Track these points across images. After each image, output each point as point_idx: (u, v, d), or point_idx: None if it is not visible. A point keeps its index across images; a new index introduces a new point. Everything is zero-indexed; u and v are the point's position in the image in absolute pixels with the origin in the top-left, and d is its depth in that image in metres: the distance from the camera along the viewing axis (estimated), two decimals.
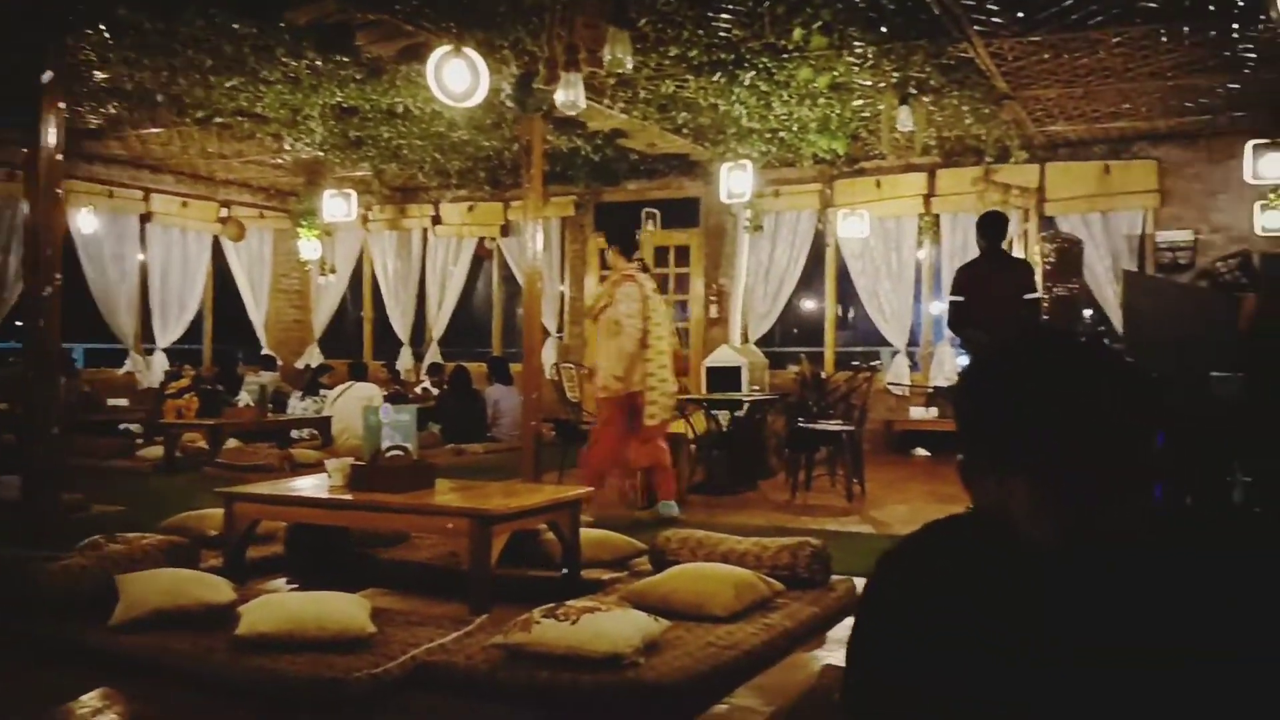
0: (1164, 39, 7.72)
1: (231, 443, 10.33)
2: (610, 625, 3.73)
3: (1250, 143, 9.28)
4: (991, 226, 7.91)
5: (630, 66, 6.21)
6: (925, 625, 1.31)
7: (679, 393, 8.05)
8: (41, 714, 3.43)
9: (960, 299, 7.74)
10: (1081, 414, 1.26)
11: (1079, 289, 10.76)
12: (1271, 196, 9.86)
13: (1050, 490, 1.29)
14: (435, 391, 12.83)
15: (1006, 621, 1.28)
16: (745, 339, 12.67)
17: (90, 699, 3.58)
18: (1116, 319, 10.54)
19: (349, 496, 4.83)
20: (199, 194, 13.86)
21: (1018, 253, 10.40)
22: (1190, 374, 5.83)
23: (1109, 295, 11.10)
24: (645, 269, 7.60)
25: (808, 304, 14.63)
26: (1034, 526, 1.30)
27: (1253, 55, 8.07)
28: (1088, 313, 11.10)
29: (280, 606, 3.99)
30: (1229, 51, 8.00)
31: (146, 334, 13.70)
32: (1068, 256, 10.52)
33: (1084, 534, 1.28)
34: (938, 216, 12.18)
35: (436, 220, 14.61)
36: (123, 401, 11.82)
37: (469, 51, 6.03)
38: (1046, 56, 8.19)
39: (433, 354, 14.51)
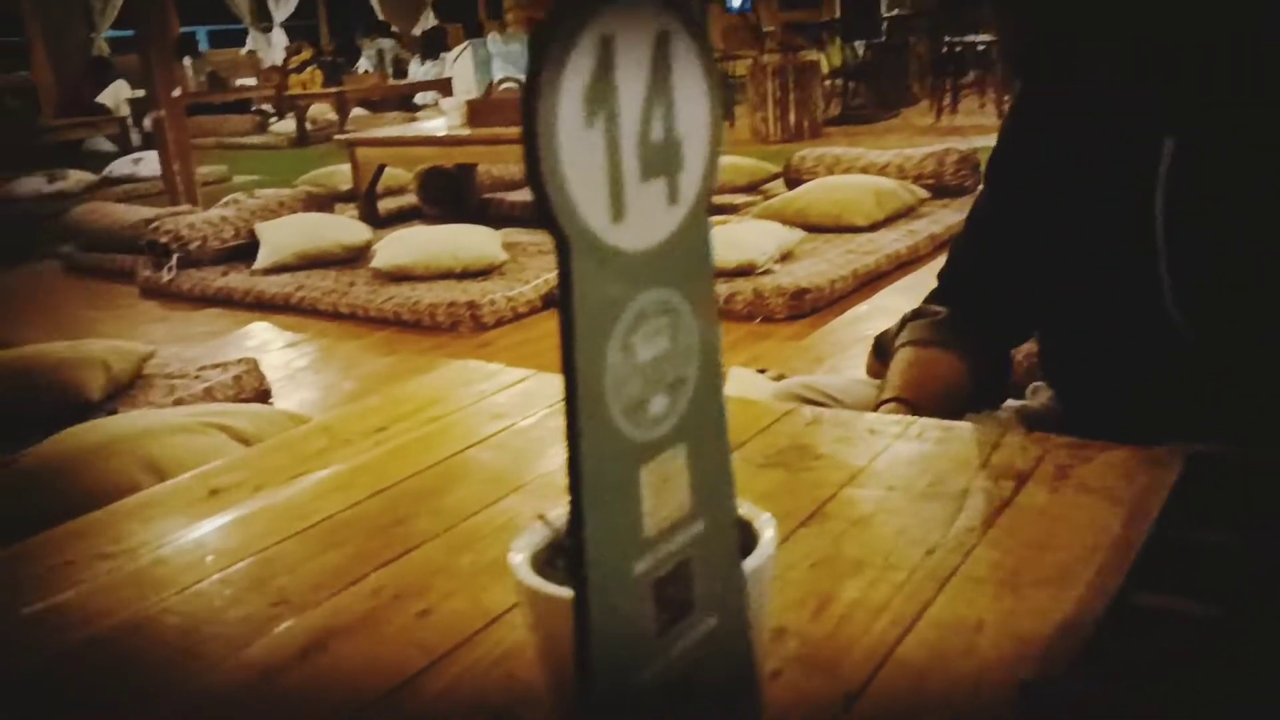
0: None
1: (359, 112, 10.30)
2: (743, 235, 3.56)
3: None
4: None
5: None
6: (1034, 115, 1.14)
7: None
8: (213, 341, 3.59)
9: None
10: None
11: None
12: None
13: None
14: None
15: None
16: None
17: (249, 330, 3.72)
18: None
19: (467, 132, 4.67)
20: None
21: None
22: None
23: None
24: None
25: None
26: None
27: None
28: None
29: (415, 241, 3.97)
30: None
31: (262, 12, 13.49)
32: None
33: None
34: None
35: None
36: (250, 81, 11.81)
37: None
38: None
39: None
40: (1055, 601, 0.62)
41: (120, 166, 7.82)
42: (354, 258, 4.18)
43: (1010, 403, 1.30)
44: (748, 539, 0.47)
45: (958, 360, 1.18)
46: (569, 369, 0.33)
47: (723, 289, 3.40)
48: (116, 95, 10.51)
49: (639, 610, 0.36)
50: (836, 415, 0.98)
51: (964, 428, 0.91)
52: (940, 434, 0.89)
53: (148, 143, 7.27)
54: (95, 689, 0.61)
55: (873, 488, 0.80)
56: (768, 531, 0.47)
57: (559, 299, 0.33)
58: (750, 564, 0.44)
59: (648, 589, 0.36)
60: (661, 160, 0.35)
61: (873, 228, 4.07)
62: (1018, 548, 0.69)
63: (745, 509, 0.49)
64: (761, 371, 2.00)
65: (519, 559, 0.48)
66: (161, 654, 0.63)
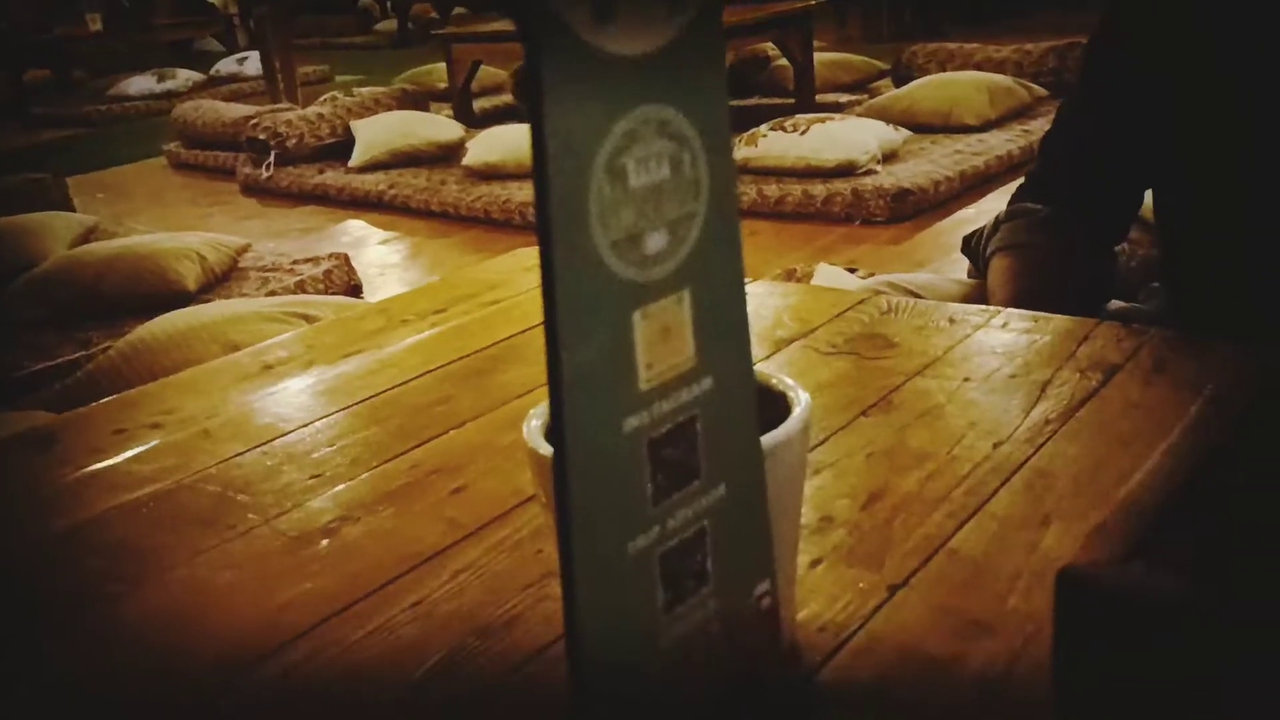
0: None
1: (460, 11, 10.23)
2: (844, 134, 3.43)
3: None
4: None
5: None
6: None
7: None
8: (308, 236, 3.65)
9: None
10: None
11: None
12: None
13: None
14: None
15: None
16: None
17: (343, 226, 3.76)
18: None
19: None
20: None
21: None
22: None
23: None
24: None
25: None
26: None
27: None
28: None
29: (506, 138, 3.94)
30: None
31: None
32: None
33: None
34: None
35: None
36: None
37: None
38: None
39: None
40: None
41: (226, 65, 7.94)
42: (447, 156, 4.17)
43: (1117, 304, 1.21)
44: (782, 413, 0.43)
45: (1060, 262, 1.11)
46: (542, 192, 0.29)
47: (820, 189, 3.29)
48: None
49: (630, 471, 0.32)
50: (916, 304, 0.92)
51: (1053, 319, 0.84)
52: (1026, 325, 0.83)
53: (254, 42, 7.35)
54: (128, 546, 0.61)
55: (946, 378, 0.74)
56: (799, 405, 0.42)
57: (529, 109, 0.29)
58: (774, 436, 0.39)
59: (641, 448, 0.32)
60: None
61: (984, 127, 3.87)
62: (1099, 443, 0.63)
63: (780, 382, 0.44)
64: (852, 270, 1.93)
65: (534, 424, 0.45)
66: (197, 518, 0.63)
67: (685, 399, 0.34)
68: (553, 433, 0.31)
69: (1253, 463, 0.36)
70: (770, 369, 0.45)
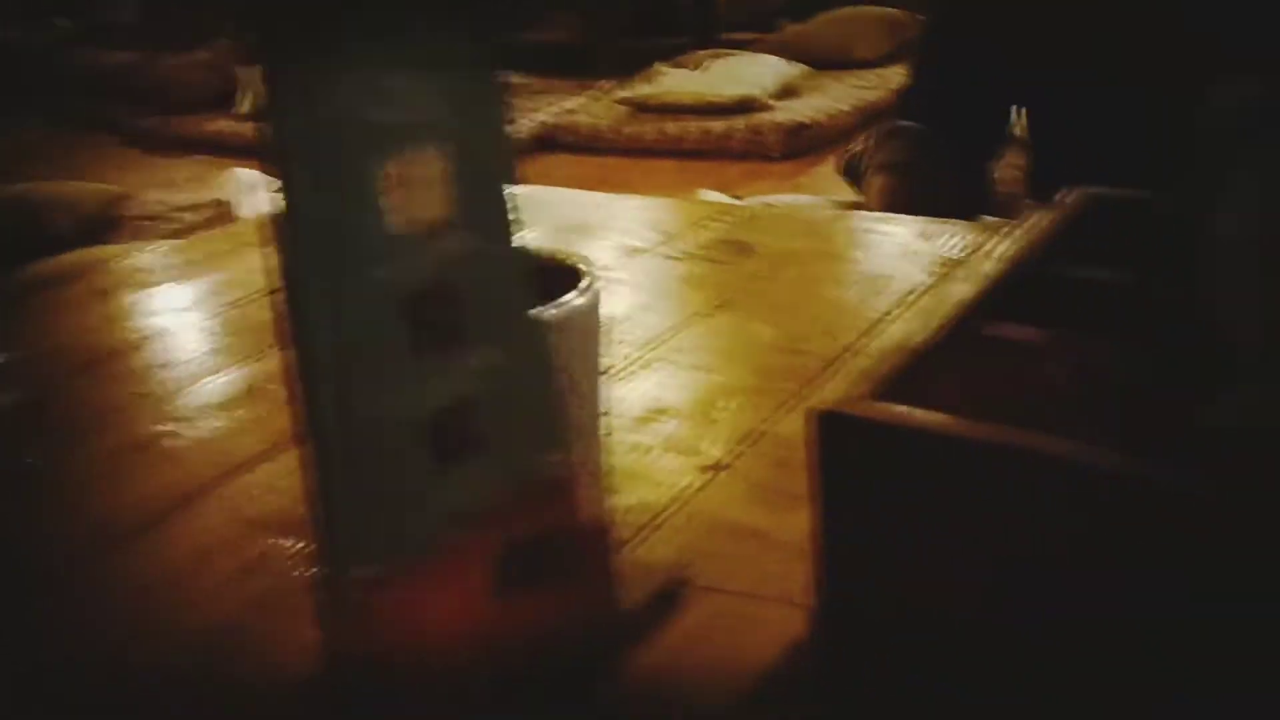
0: None
1: None
2: (743, 69, 3.41)
3: None
4: None
5: None
6: None
7: None
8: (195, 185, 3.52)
9: None
10: None
11: None
12: None
13: None
14: None
15: None
16: None
17: (234, 175, 3.64)
18: None
19: None
20: None
21: None
22: None
23: None
24: None
25: None
26: None
27: None
28: None
29: None
30: None
31: None
32: None
33: None
34: None
35: None
36: None
37: None
38: None
39: None
40: None
41: (107, 14, 7.58)
42: None
43: (992, 220, 1.24)
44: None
45: (935, 179, 1.12)
46: (264, 19, 0.27)
47: (719, 125, 3.28)
48: None
49: (380, 324, 0.31)
50: (776, 212, 0.92)
51: (909, 220, 0.85)
52: (882, 227, 0.83)
53: None
54: None
55: (796, 279, 0.75)
56: (588, 278, 0.41)
57: None
58: (560, 304, 0.39)
59: (392, 300, 0.31)
60: None
61: (881, 61, 3.89)
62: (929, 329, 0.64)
63: (571, 258, 0.43)
64: (737, 198, 1.93)
65: None
66: (10, 438, 0.60)
67: (442, 254, 0.32)
68: (289, 279, 0.30)
69: (1013, 309, 0.37)
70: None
